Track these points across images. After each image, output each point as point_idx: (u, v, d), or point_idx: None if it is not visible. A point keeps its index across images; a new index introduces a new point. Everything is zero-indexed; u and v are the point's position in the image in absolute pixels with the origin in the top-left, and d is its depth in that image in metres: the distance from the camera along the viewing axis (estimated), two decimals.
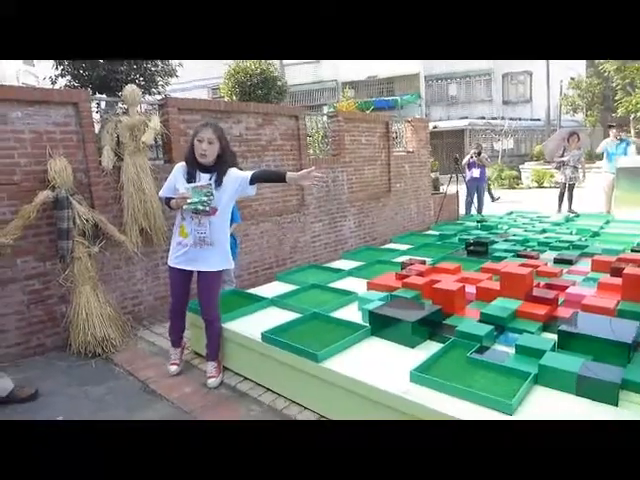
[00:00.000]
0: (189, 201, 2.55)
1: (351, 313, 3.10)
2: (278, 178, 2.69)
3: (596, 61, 15.88)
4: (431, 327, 2.65)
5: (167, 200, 2.78)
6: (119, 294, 3.95)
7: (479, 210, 8.56)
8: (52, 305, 3.56)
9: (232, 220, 3.84)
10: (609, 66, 14.23)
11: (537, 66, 21.35)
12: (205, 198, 2.57)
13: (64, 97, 3.48)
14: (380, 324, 2.69)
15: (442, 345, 2.45)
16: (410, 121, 7.78)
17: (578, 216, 6.56)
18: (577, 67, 20.95)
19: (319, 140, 6.72)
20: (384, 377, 2.20)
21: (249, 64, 8.67)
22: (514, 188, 17.00)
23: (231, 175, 2.68)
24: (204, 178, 2.65)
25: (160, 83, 6.28)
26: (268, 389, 2.78)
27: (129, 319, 3.86)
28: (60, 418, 2.61)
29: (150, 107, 4.38)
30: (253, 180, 2.66)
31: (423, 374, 2.13)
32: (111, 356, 3.41)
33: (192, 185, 2.57)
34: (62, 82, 6.30)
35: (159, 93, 6.23)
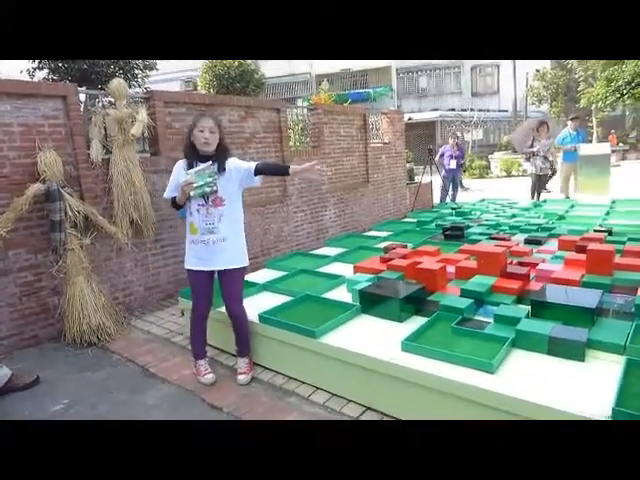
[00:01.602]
0: (194, 185, 2.48)
1: (340, 294, 3.29)
2: (281, 171, 2.66)
3: None
4: (416, 304, 2.86)
5: (173, 200, 2.70)
6: (110, 285, 4.01)
7: (453, 198, 8.84)
8: (45, 297, 3.61)
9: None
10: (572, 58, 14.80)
11: None
12: (210, 179, 2.50)
13: (52, 90, 3.51)
14: (370, 302, 2.89)
15: (428, 319, 2.67)
16: (386, 113, 7.99)
17: (545, 201, 6.94)
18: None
19: (299, 132, 6.86)
20: (377, 348, 2.40)
21: None
22: (484, 177, 17.56)
23: (235, 163, 2.67)
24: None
25: (140, 76, 6.26)
26: (266, 367, 2.94)
27: (121, 309, 3.93)
28: (66, 401, 2.71)
29: (131, 100, 4.42)
30: (257, 171, 2.64)
31: (413, 343, 2.33)
32: (107, 345, 3.49)
33: (194, 170, 2.51)
34: (40, 75, 6.20)
35: (139, 86, 6.23)
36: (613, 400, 1.74)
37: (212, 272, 2.73)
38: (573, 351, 2.15)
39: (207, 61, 8.87)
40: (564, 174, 8.40)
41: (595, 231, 4.30)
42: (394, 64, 21.62)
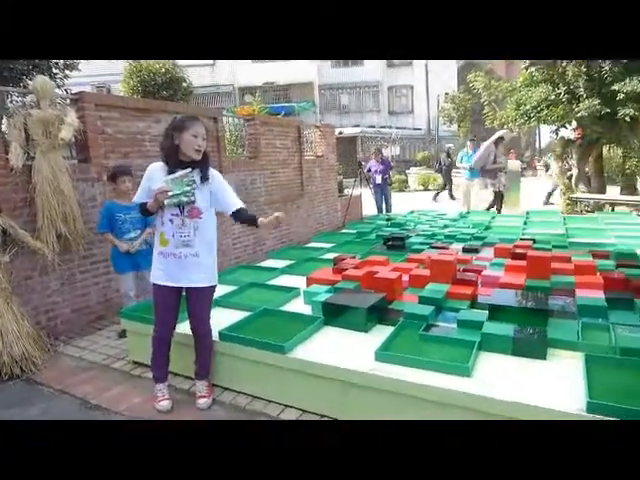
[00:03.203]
0: (170, 194, 2.27)
1: (298, 307, 3.20)
2: (251, 222, 2.52)
3: (467, 79, 18.02)
4: (379, 313, 2.87)
5: (142, 206, 2.45)
6: (31, 308, 3.54)
7: (388, 211, 9.08)
8: None
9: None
10: (477, 84, 16.26)
11: (417, 80, 23.50)
12: (187, 188, 2.28)
13: None
14: (333, 314, 2.84)
15: (393, 327, 2.67)
16: (319, 127, 8.11)
17: (469, 213, 7.42)
18: (451, 83, 23.51)
19: (232, 142, 6.70)
20: (350, 360, 2.35)
21: (152, 62, 8.23)
22: (403, 191, 18.47)
23: (219, 180, 2.50)
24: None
25: (59, 76, 5.70)
26: (226, 388, 2.75)
27: (45, 334, 3.48)
28: None
29: (56, 101, 4.00)
30: (235, 214, 2.50)
31: (388, 352, 2.32)
32: (33, 376, 3.06)
33: (170, 177, 2.29)
34: None
35: (58, 87, 5.66)
36: (585, 394, 1.86)
37: (180, 289, 2.51)
38: (536, 350, 2.28)
39: (132, 66, 8.35)
40: (465, 190, 8.81)
41: (522, 239, 4.66)
42: (316, 80, 22.13)
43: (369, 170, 9.33)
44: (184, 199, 2.31)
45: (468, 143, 8.99)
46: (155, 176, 2.40)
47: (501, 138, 8.23)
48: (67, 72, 5.77)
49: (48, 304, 3.69)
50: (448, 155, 13.71)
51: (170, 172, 2.35)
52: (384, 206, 9.17)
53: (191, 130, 2.32)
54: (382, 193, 9.17)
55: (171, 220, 2.39)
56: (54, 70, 5.44)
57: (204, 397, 2.60)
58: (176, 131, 2.35)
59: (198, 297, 2.52)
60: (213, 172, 2.50)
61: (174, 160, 2.37)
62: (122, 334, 3.47)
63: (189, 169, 2.32)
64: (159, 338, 2.56)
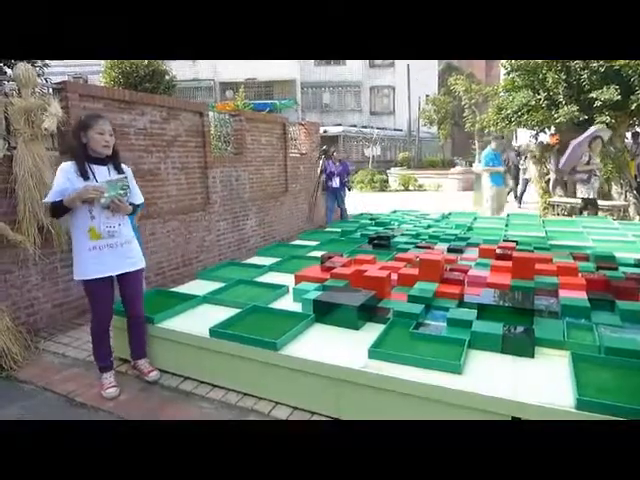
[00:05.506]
0: (106, 195, 2.43)
1: (287, 304, 3.20)
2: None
3: (448, 82, 18.28)
4: (369, 311, 2.89)
5: (57, 204, 2.45)
6: (10, 303, 3.43)
7: (344, 217, 8.07)
8: None
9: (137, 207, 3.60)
10: (459, 87, 16.52)
11: (399, 81, 23.69)
12: (122, 192, 2.48)
13: None
14: (324, 311, 2.84)
15: (384, 325, 2.70)
16: (304, 124, 8.09)
17: (451, 214, 7.52)
18: (432, 85, 23.79)
19: (216, 138, 6.62)
20: (343, 357, 2.36)
21: None
22: (384, 191, 18.61)
23: (131, 175, 2.70)
24: (102, 171, 2.54)
25: (37, 65, 5.51)
26: (216, 385, 2.73)
27: (25, 330, 3.38)
28: None
29: (39, 90, 3.88)
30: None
31: (380, 349, 2.34)
32: (13, 374, 2.97)
33: (106, 180, 2.48)
34: None
35: (38, 75, 5.46)
36: (574, 391, 1.92)
37: (112, 278, 2.67)
38: (524, 349, 2.34)
39: None
40: (496, 197, 7.79)
41: (505, 241, 4.76)
42: (299, 78, 22.06)
43: (325, 170, 7.87)
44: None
45: (492, 143, 7.60)
46: (72, 176, 2.47)
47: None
48: (47, 61, 5.60)
49: (28, 299, 3.58)
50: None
51: (81, 169, 2.47)
52: (333, 213, 8.03)
53: (97, 128, 2.47)
54: (336, 197, 7.98)
55: (100, 213, 2.52)
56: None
57: (153, 370, 2.85)
58: (83, 130, 2.49)
59: (134, 280, 2.74)
60: (125, 167, 2.69)
61: (84, 158, 2.50)
62: None
63: (124, 175, 2.56)
64: (101, 330, 2.73)
